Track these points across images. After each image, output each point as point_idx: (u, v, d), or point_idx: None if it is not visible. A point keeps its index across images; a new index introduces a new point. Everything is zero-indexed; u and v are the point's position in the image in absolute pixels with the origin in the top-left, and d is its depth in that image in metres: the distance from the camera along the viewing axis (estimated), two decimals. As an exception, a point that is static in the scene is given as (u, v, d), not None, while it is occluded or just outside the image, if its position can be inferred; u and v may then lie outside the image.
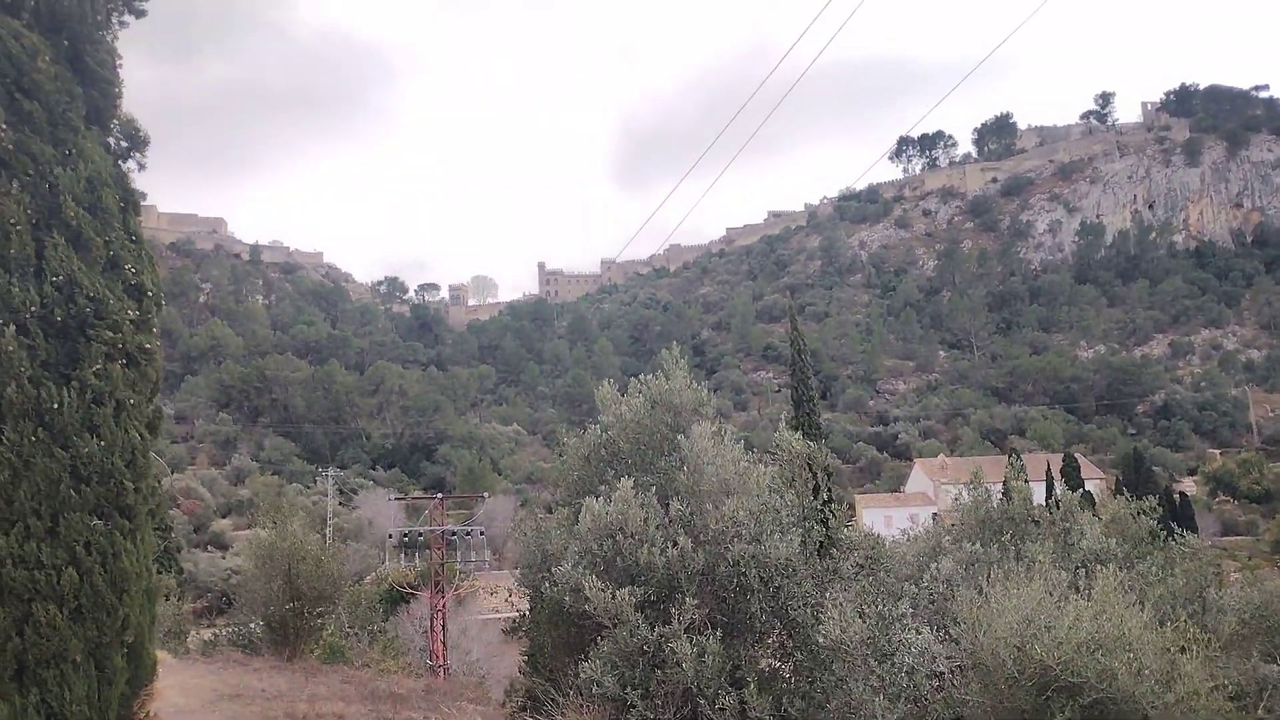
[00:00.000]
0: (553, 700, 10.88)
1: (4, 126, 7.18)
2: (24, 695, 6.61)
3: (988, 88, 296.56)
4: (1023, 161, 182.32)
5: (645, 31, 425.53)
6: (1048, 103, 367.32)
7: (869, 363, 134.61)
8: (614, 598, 10.05)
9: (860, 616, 9.32)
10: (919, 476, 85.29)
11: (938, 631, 9.73)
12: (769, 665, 11.09)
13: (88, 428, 7.07)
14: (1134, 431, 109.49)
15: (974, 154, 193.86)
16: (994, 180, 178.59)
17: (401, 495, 56.90)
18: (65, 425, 6.95)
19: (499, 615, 34.25)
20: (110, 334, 7.34)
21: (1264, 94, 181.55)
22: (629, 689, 9.77)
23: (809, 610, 10.42)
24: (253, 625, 23.73)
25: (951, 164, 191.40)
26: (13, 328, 6.86)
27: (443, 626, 28.15)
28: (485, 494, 52.19)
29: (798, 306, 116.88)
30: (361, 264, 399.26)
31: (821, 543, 11.49)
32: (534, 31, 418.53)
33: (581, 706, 10.13)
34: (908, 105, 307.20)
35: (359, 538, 61.66)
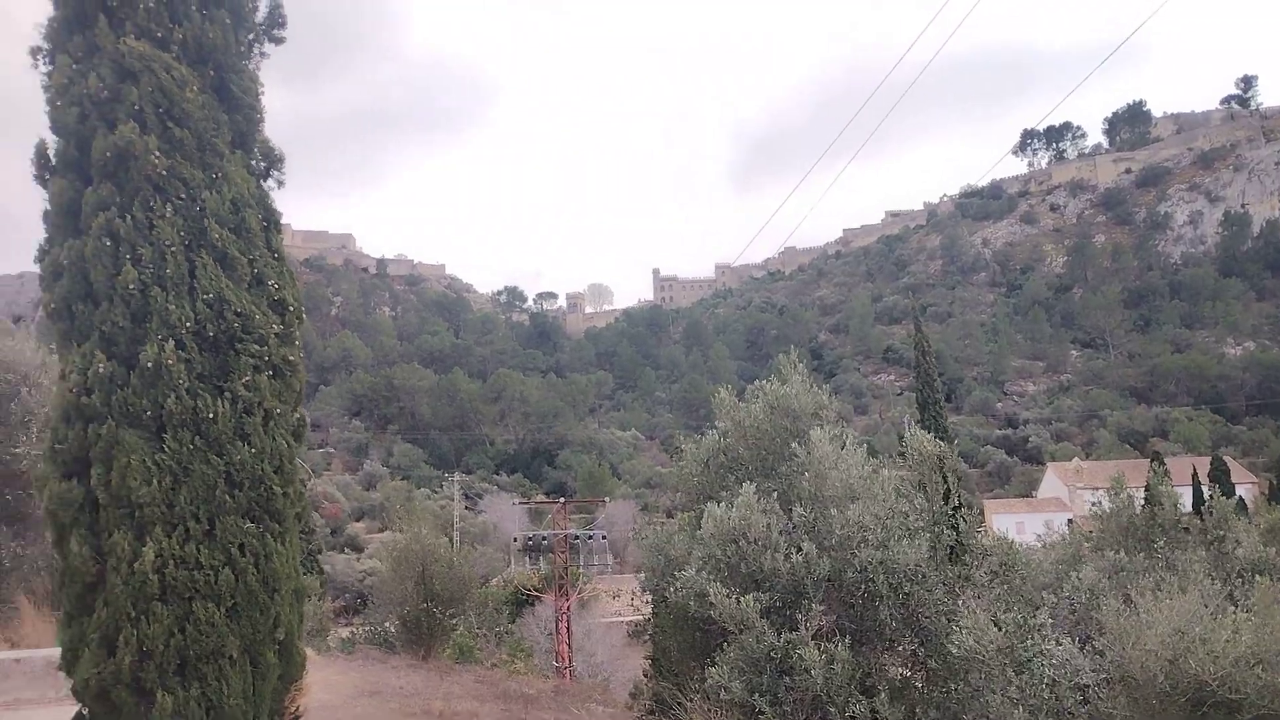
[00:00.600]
0: (680, 704, 10.90)
1: (158, 154, 7.65)
2: (186, 689, 7.02)
3: (1118, 75, 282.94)
4: (1159, 151, 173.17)
5: (754, 34, 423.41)
6: (1183, 89, 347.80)
7: (996, 364, 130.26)
8: (739, 604, 9.99)
9: (996, 625, 9.00)
10: (1052, 481, 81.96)
11: (1080, 643, 9.33)
12: (899, 674, 10.83)
13: (240, 436, 7.46)
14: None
15: (1105, 144, 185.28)
16: (1128, 171, 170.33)
17: (525, 499, 58.07)
18: (219, 434, 7.36)
19: (621, 619, 34.58)
20: (257, 347, 7.73)
21: None
22: (757, 695, 9.69)
23: (941, 618, 10.13)
24: (387, 624, 24.62)
25: (1080, 156, 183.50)
26: (171, 343, 7.31)
27: (567, 629, 28.55)
28: (605, 498, 52.72)
29: (919, 307, 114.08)
30: (481, 275, 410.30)
31: (952, 548, 11.16)
32: (643, 38, 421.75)
33: (709, 711, 10.11)
34: (1027, 98, 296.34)
35: (484, 541, 63.15)
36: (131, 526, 7.06)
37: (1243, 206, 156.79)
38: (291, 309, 8.26)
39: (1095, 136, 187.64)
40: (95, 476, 7.15)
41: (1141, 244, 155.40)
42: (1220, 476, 53.01)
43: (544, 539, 32.00)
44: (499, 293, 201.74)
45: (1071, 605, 10.17)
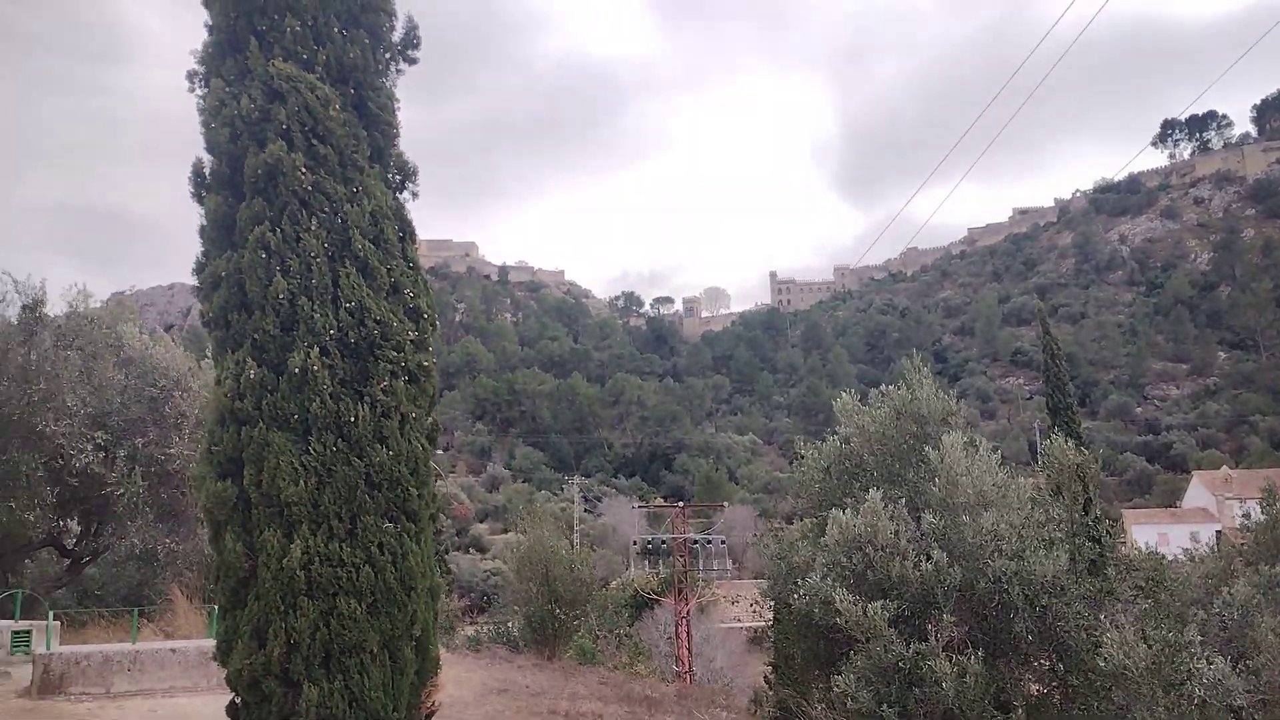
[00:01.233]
0: (804, 712, 10.78)
1: (304, 170, 8.06)
2: (330, 681, 7.34)
3: (1268, 60, 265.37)
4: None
5: (868, 33, 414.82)
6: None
7: (1134, 366, 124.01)
8: (866, 612, 9.82)
9: (1145, 641, 8.57)
10: (1198, 490, 77.31)
11: (1233, 662, 8.80)
12: (1036, 690, 10.44)
13: (378, 439, 7.78)
14: None
15: (1253, 134, 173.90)
16: (1279, 161, 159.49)
17: (643, 503, 58.39)
18: (360, 436, 7.69)
19: (740, 625, 34.39)
20: (394, 353, 8.04)
21: None
22: (884, 705, 9.51)
23: (1081, 633, 9.71)
24: (510, 624, 25.17)
25: (1227, 146, 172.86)
26: (316, 350, 7.68)
27: (687, 633, 28.58)
28: (724, 503, 52.54)
29: (1049, 308, 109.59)
30: (598, 280, 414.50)
31: (1093, 560, 10.69)
32: (757, 39, 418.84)
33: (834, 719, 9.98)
34: (1167, 85, 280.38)
35: (603, 543, 63.87)
36: (280, 524, 7.44)
37: None
38: (425, 316, 8.56)
39: (1243, 125, 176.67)
40: (247, 477, 7.56)
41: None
42: (1389, 487, 49.10)
43: (663, 542, 32.13)
44: (616, 298, 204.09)
45: (1223, 622, 9.63)
